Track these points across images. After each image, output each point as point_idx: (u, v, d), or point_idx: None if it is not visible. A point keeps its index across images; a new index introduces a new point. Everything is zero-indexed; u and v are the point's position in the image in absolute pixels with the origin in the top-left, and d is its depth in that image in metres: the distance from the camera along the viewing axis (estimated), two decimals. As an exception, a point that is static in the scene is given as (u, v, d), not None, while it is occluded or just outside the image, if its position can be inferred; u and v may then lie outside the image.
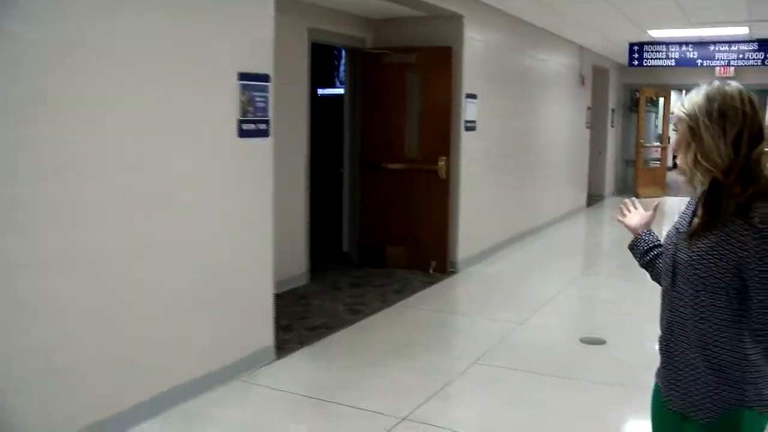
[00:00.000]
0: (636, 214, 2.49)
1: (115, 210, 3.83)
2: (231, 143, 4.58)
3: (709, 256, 1.92)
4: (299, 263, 7.25)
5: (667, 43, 11.24)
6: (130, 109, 3.88)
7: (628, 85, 15.34)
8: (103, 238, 3.78)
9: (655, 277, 2.29)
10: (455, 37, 7.60)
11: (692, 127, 1.92)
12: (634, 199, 2.61)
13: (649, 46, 11.36)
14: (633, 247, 2.42)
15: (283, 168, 6.89)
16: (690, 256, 1.97)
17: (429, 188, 7.75)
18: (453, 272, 7.81)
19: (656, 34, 10.42)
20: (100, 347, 3.80)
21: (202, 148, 4.39)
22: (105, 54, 3.72)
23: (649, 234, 2.40)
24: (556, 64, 10.92)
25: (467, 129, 7.83)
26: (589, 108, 12.94)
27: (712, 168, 1.90)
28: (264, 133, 4.82)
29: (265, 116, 4.81)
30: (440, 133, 7.66)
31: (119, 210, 3.85)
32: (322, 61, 10.14)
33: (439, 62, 7.58)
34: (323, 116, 8.45)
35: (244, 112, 4.63)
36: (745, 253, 1.86)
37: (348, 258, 8.34)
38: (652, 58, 11.38)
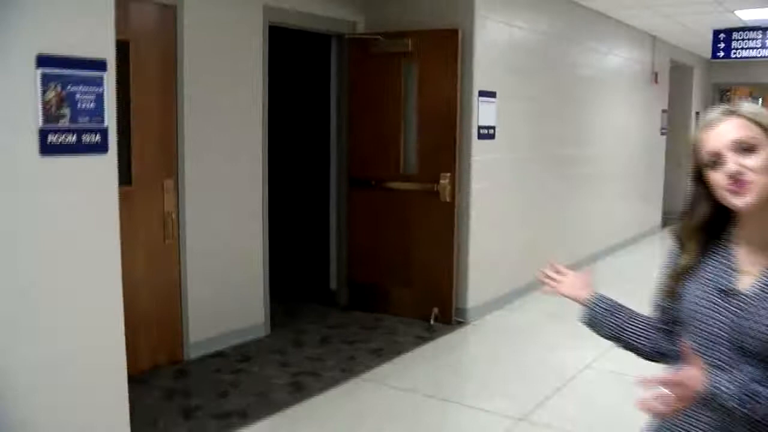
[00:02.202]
0: (567, 278, 2.02)
1: None
2: (27, 166, 2.96)
3: None
4: (254, 311, 5.61)
5: (764, 29, 9.02)
6: None
7: (716, 84, 13.04)
8: None
9: (630, 347, 1.92)
10: (464, 17, 5.80)
11: None
12: (552, 262, 2.09)
13: (739, 33, 9.15)
14: (591, 321, 1.92)
15: (229, 188, 5.31)
16: (760, 322, 1.54)
17: (429, 213, 5.98)
18: (461, 323, 6.02)
19: (747, 16, 8.26)
20: None
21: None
22: None
23: (603, 299, 1.93)
24: (619, 57, 8.90)
25: (482, 137, 6.02)
26: (665, 111, 10.81)
27: None
28: (97, 148, 3.20)
29: (99, 123, 3.18)
30: (443, 142, 5.88)
31: None
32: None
33: (441, 49, 5.80)
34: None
35: (52, 117, 3.00)
36: None
37: (335, 299, 6.65)
38: (742, 48, 9.16)
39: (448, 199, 5.85)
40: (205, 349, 5.16)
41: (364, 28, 6.29)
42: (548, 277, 2.05)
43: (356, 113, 6.27)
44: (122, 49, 4.42)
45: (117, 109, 4.19)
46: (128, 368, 4.55)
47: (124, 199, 4.52)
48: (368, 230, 6.32)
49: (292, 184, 7.62)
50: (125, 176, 4.56)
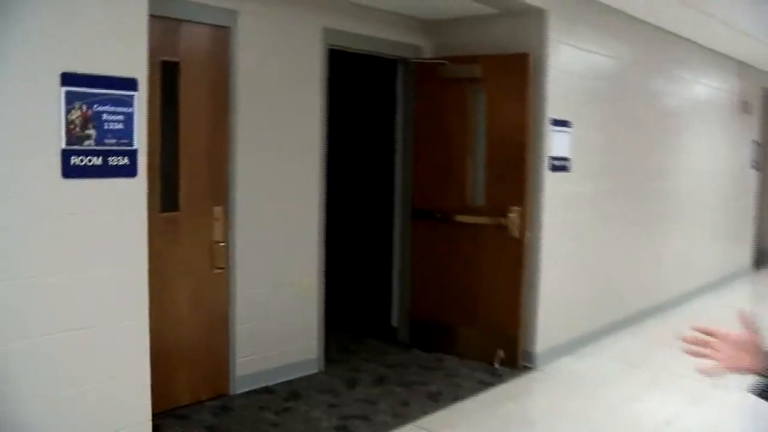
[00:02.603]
0: (726, 343, 1.49)
1: None
2: (48, 189, 2.77)
3: None
4: (307, 346, 5.32)
5: None
6: None
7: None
8: None
9: None
10: (535, 41, 5.45)
11: None
12: (696, 326, 1.56)
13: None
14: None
15: (283, 216, 5.08)
16: None
17: (497, 249, 5.60)
18: (527, 368, 5.58)
19: None
20: None
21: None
22: None
23: None
24: (704, 84, 8.34)
25: (554, 168, 5.62)
26: (757, 143, 10.12)
27: None
28: (125, 171, 2.99)
29: (127, 144, 2.98)
30: (513, 173, 5.51)
31: None
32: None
33: (511, 75, 5.45)
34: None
35: (76, 139, 2.81)
36: None
37: (396, 335, 6.32)
38: None
39: (517, 235, 5.47)
40: (252, 384, 4.92)
41: (431, 53, 6.02)
42: (699, 345, 1.56)
43: (421, 141, 5.98)
44: (172, 70, 4.30)
45: (165, 133, 4.06)
46: (168, 402, 4.38)
47: (171, 225, 4.38)
48: (432, 265, 5.98)
49: (354, 214, 7.37)
50: (172, 202, 4.40)
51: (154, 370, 4.25)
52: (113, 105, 2.90)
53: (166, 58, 4.27)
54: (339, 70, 6.09)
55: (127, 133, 2.96)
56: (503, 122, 5.53)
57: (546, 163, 5.53)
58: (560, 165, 5.69)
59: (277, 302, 5.05)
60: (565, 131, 5.70)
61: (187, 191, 4.45)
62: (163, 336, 4.39)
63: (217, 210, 4.62)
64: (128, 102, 2.96)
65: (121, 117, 2.93)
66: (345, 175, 7.47)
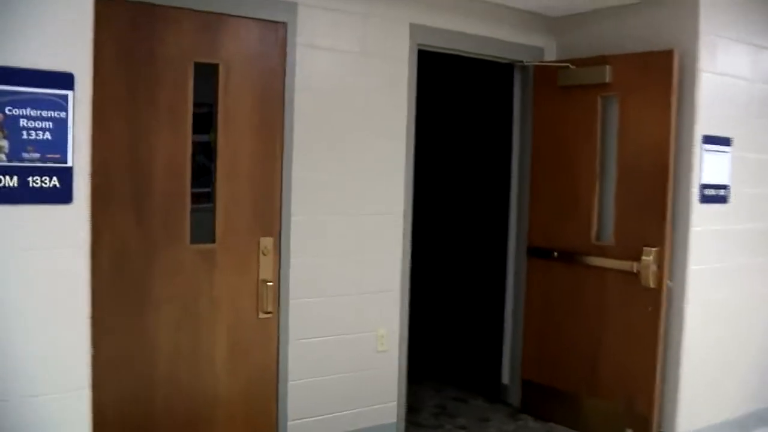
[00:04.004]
0: None
1: None
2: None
3: None
4: (383, 410, 4.41)
5: None
6: None
7: None
8: None
9: None
10: (682, 35, 4.25)
11: None
12: None
13: None
14: None
15: (352, 250, 4.22)
16: None
17: (626, 301, 4.43)
18: (666, 454, 4.35)
19: None
20: None
21: None
22: None
23: None
24: None
25: (706, 200, 4.37)
26: None
27: None
28: (54, 196, 2.24)
29: (58, 160, 2.22)
30: (650, 204, 4.32)
31: None
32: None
33: (650, 79, 4.28)
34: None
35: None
36: None
37: (506, 396, 5.26)
38: None
39: (651, 285, 4.26)
40: (308, 453, 4.07)
41: (555, 56, 4.96)
42: None
43: (540, 162, 4.91)
44: (208, 74, 3.59)
45: (197, 148, 3.36)
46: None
47: (204, 261, 3.64)
48: (547, 315, 4.89)
49: (460, 250, 6.38)
50: (207, 232, 3.65)
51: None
52: (36, 108, 2.16)
53: (201, 60, 3.56)
54: (440, 75, 5.18)
55: (57, 145, 2.21)
56: (640, 139, 4.37)
57: (695, 193, 4.29)
58: (715, 195, 4.42)
59: (342, 356, 4.19)
60: (722, 151, 4.43)
61: (226, 219, 3.69)
62: (196, 395, 3.66)
63: (266, 241, 3.82)
64: (60, 104, 2.20)
65: (48, 124, 2.18)
66: (448, 203, 6.53)
